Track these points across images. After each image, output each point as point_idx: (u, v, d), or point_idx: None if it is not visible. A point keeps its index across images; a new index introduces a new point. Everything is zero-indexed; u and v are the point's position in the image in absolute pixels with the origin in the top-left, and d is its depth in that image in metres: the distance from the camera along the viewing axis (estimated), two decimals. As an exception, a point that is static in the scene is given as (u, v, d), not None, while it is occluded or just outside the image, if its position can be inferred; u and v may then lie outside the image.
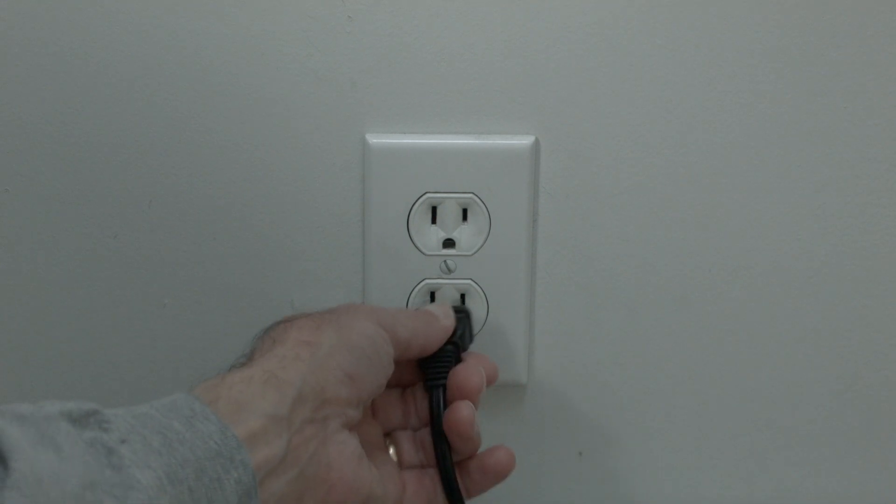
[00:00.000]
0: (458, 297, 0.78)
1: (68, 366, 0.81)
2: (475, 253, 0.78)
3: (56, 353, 0.81)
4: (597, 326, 0.81)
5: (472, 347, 0.79)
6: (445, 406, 0.72)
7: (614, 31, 0.75)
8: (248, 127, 0.77)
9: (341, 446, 0.65)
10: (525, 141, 0.77)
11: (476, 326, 0.79)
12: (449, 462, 0.72)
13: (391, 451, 0.73)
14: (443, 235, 0.78)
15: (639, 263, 0.80)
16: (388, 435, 0.74)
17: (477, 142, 0.77)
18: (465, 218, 0.78)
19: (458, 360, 0.74)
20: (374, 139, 0.77)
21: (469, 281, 0.79)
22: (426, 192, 0.77)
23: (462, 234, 0.78)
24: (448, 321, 0.74)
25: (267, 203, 0.78)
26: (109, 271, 0.79)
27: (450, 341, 0.74)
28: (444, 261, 0.79)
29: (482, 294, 0.79)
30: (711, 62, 0.76)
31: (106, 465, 0.54)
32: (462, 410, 0.70)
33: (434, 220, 0.78)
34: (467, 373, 0.72)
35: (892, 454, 0.83)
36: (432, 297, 0.78)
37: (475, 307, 0.79)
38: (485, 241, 0.78)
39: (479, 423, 0.71)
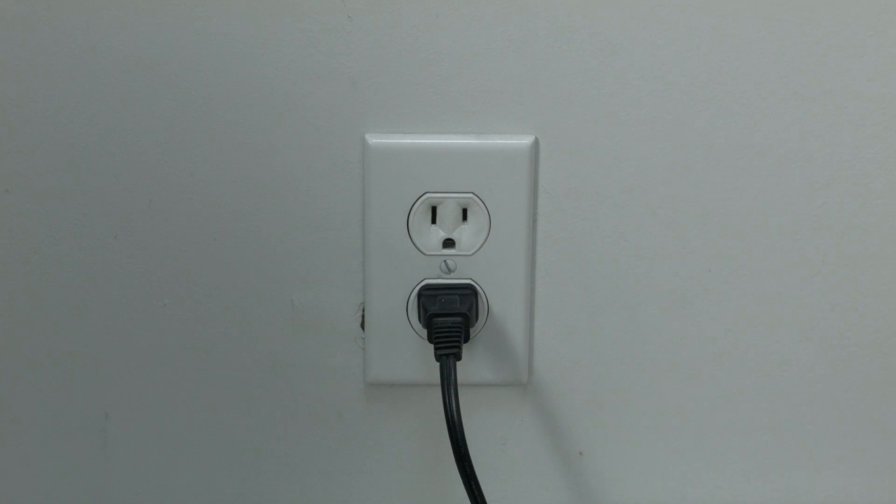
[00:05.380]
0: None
1: (68, 366, 0.81)
2: (475, 253, 0.78)
3: (56, 353, 0.81)
4: (597, 326, 0.81)
5: (473, 348, 0.80)
6: (456, 377, 0.73)
7: (614, 31, 0.75)
8: (247, 127, 0.77)
9: None
10: (525, 141, 0.77)
11: (476, 326, 0.79)
12: (473, 481, 0.73)
13: None
14: (443, 235, 0.78)
15: (639, 263, 0.80)
16: None
17: (477, 142, 0.77)
18: (465, 218, 0.78)
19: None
20: (374, 139, 0.77)
21: (469, 280, 0.79)
22: (426, 192, 0.77)
23: (462, 234, 0.78)
24: None
25: (267, 203, 0.78)
26: (110, 271, 0.79)
27: (459, 313, 0.75)
28: (444, 261, 0.79)
29: (482, 294, 0.79)
30: (711, 62, 0.76)
31: None
32: None
33: (434, 220, 0.78)
34: None
35: (892, 454, 0.83)
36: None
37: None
38: (485, 241, 0.78)
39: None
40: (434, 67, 0.76)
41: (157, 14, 0.75)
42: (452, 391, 0.74)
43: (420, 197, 0.78)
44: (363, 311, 0.80)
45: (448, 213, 0.78)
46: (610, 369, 0.82)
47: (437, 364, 0.76)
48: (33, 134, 0.77)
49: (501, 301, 0.79)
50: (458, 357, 0.76)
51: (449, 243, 0.78)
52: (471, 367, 0.81)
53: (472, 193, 0.78)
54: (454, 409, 0.74)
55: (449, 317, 0.77)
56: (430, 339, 0.77)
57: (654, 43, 0.76)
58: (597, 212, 0.79)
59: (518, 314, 0.80)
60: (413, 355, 0.80)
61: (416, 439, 0.83)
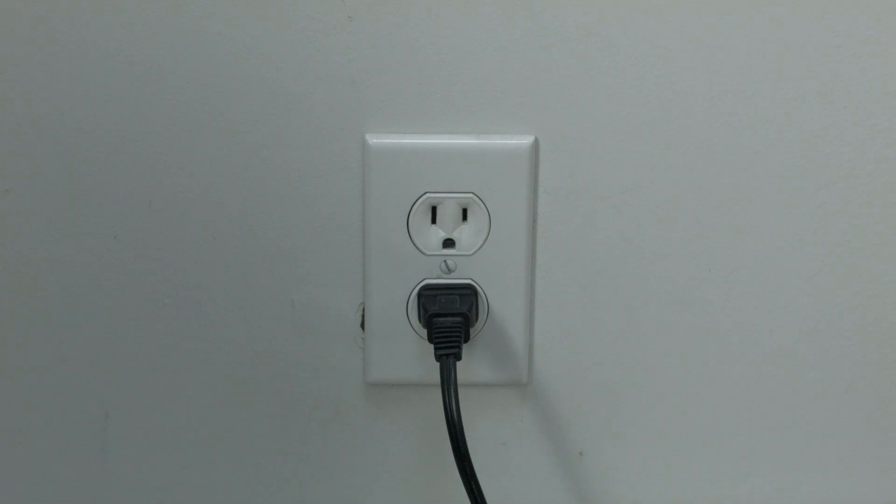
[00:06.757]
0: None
1: (68, 366, 0.81)
2: (475, 253, 0.78)
3: (56, 353, 0.81)
4: (597, 326, 0.81)
5: (473, 348, 0.80)
6: (456, 376, 0.73)
7: (614, 31, 0.75)
8: (247, 127, 0.77)
9: None
10: (525, 141, 0.77)
11: (476, 326, 0.79)
12: (473, 479, 0.73)
13: None
14: (443, 235, 0.78)
15: (639, 263, 0.80)
16: None
17: (477, 142, 0.77)
18: (465, 218, 0.78)
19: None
20: (374, 139, 0.77)
21: (469, 280, 0.79)
22: (426, 192, 0.77)
23: (462, 234, 0.78)
24: None
25: (267, 203, 0.78)
26: (110, 271, 0.79)
27: (459, 313, 0.75)
28: (444, 261, 0.79)
29: (482, 294, 0.79)
30: (711, 62, 0.76)
31: None
32: None
33: (434, 220, 0.78)
34: None
35: (892, 454, 0.83)
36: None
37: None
38: (485, 241, 0.78)
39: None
40: (434, 67, 0.76)
41: (156, 14, 0.75)
42: (452, 391, 0.74)
43: (420, 197, 0.78)
44: (363, 311, 0.80)
45: (448, 213, 0.78)
46: (610, 369, 0.82)
47: (437, 364, 0.76)
48: (33, 134, 0.77)
49: (501, 301, 0.79)
50: (458, 357, 0.76)
51: (449, 243, 0.78)
52: (471, 367, 0.81)
53: (472, 193, 0.78)
54: (454, 409, 0.74)
55: (449, 317, 0.77)
56: (430, 339, 0.77)
57: (654, 43, 0.76)
58: (597, 212, 0.79)
59: (518, 314, 0.80)
60: (413, 355, 0.80)
61: (416, 439, 0.83)
